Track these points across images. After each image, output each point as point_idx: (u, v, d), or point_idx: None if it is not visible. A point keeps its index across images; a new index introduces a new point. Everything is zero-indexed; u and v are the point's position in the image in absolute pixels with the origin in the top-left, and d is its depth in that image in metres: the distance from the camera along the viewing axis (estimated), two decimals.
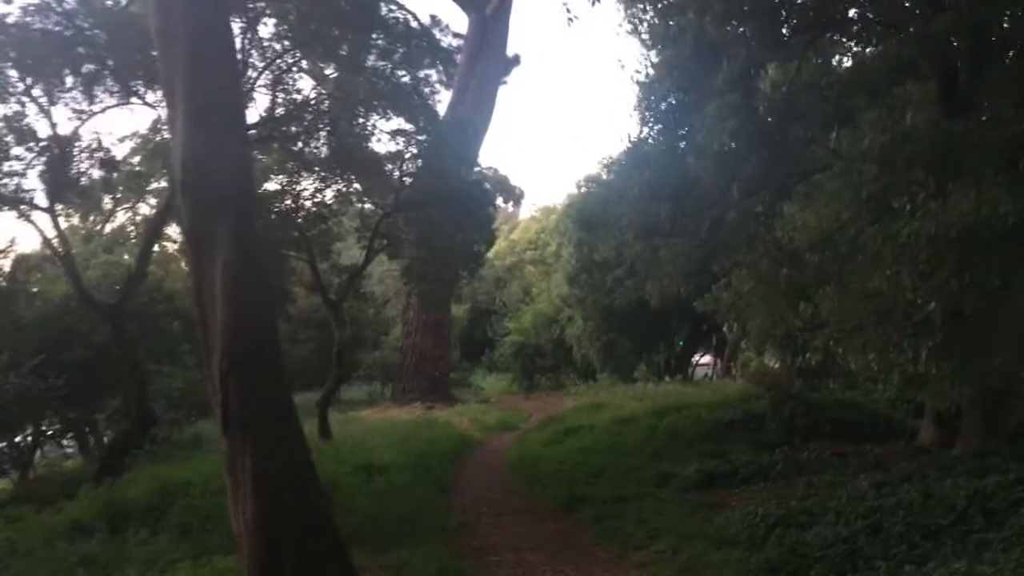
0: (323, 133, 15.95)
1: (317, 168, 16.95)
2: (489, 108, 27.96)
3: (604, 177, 25.43)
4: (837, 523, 7.34)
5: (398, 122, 16.92)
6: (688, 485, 10.75)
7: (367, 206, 18.90)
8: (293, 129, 15.69)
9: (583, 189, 26.56)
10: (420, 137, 17.00)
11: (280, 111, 15.43)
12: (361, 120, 15.97)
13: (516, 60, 29.53)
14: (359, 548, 8.30)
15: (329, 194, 17.79)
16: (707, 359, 31.00)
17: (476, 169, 18.88)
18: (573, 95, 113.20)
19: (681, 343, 27.00)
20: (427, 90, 17.28)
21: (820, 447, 12.56)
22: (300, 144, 16.23)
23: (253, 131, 14.95)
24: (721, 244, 11.69)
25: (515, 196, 53.58)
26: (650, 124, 10.35)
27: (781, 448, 11.86)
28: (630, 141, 10.60)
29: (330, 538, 5.95)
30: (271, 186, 17.17)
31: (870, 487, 9.39)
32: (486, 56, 27.37)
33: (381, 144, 17.25)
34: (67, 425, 18.29)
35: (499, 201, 25.39)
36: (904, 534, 6.83)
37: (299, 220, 17.19)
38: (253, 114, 15.20)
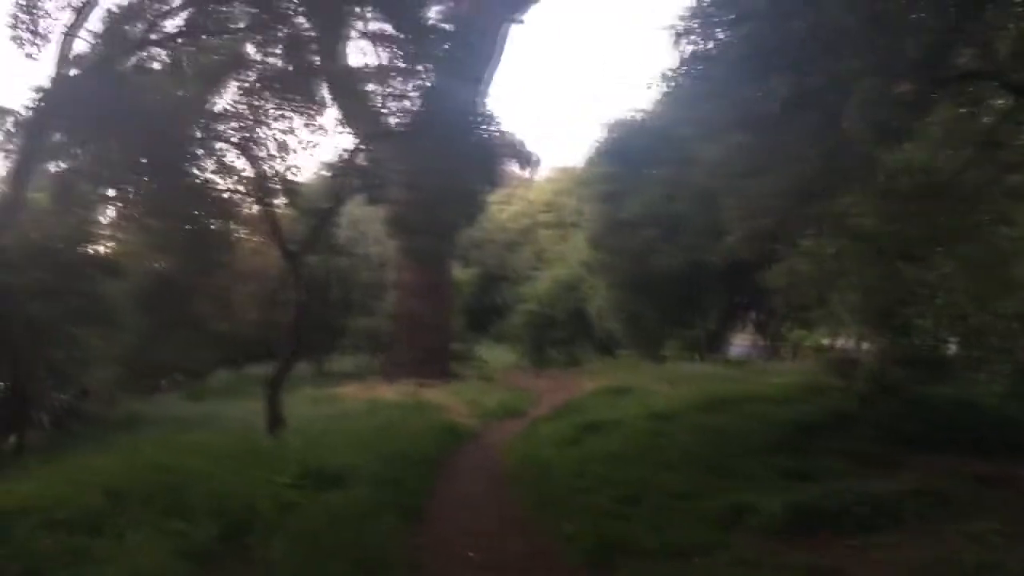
0: (279, 35, 12.28)
1: (277, 85, 13.25)
2: (499, 38, 23.82)
3: (638, 119, 21.82)
4: None
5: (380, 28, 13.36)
6: (774, 527, 7.11)
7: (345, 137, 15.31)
8: (240, 25, 12.05)
9: (613, 135, 22.71)
10: (410, 47, 13.35)
11: None
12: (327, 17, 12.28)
13: None
14: None
15: (297, 121, 14.04)
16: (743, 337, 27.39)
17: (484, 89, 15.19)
18: (587, 58, 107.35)
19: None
20: None
21: (945, 465, 8.98)
22: (252, 48, 12.61)
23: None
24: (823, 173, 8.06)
25: (530, 162, 50.17)
26: None
27: (912, 473, 8.23)
28: None
29: None
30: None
31: None
32: None
33: (361, 56, 13.63)
34: None
35: (514, 167, 22.65)
36: None
37: (256, 151, 13.56)
38: None
